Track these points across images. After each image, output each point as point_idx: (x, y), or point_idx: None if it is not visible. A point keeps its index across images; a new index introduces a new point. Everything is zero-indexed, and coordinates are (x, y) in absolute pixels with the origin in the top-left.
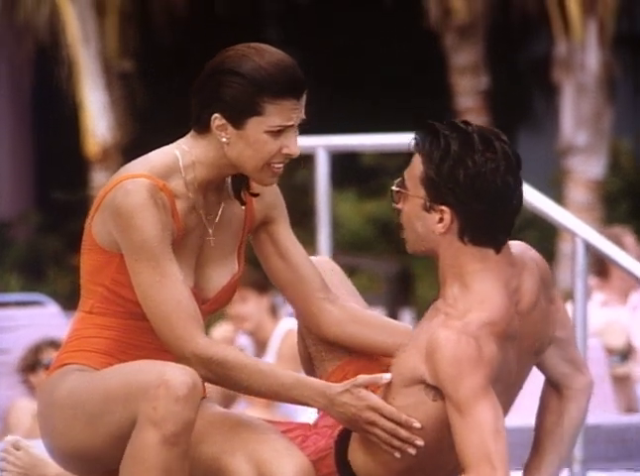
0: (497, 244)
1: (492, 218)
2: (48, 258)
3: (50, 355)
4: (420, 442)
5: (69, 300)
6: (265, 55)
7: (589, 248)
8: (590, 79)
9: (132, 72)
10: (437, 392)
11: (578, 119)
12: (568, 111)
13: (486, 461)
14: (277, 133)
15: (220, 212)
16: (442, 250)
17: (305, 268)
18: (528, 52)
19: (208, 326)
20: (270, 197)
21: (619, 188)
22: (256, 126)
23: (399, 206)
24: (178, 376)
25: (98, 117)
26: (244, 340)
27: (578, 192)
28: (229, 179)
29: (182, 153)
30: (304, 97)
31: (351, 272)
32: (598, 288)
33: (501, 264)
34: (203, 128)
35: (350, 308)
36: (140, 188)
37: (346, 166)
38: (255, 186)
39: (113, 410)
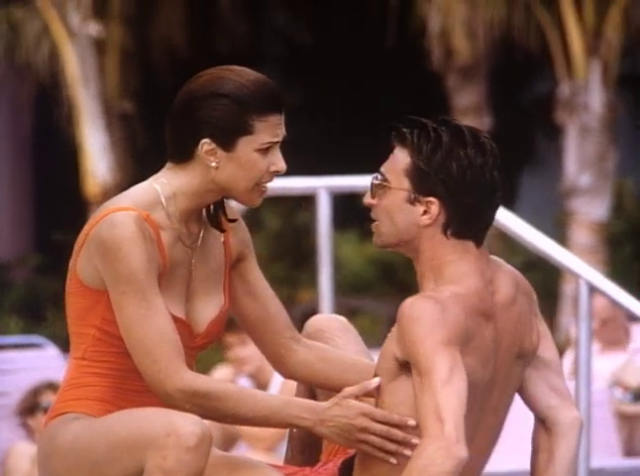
0: (478, 238)
1: (479, 212)
2: (47, 300)
3: (48, 398)
4: (417, 440)
5: (69, 343)
6: (242, 74)
7: (593, 290)
8: (594, 120)
9: (132, 113)
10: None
11: (581, 160)
12: (571, 152)
13: (435, 417)
14: (266, 151)
15: (200, 241)
16: (422, 243)
17: (273, 306)
18: (531, 92)
19: (207, 369)
20: (244, 234)
21: (623, 230)
22: (246, 146)
23: (374, 202)
24: (188, 425)
25: (98, 158)
26: (244, 383)
27: (581, 234)
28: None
29: (162, 185)
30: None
31: (352, 313)
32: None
33: (478, 257)
34: (184, 158)
35: (317, 348)
36: (126, 220)
37: (347, 206)
38: (229, 213)
39: (119, 458)
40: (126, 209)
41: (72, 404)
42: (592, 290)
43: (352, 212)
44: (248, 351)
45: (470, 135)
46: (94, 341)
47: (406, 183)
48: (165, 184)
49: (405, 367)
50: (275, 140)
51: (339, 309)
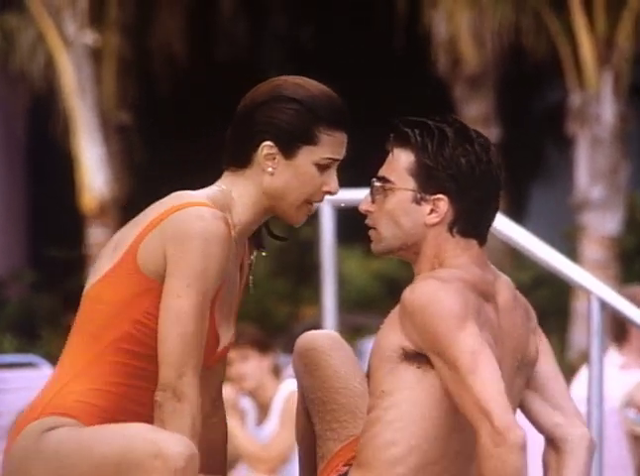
0: (482, 237)
1: (485, 209)
2: (42, 318)
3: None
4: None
5: None
6: (314, 84)
7: (605, 307)
8: (606, 131)
9: (130, 125)
10: (420, 358)
11: (592, 172)
12: (582, 164)
13: (480, 412)
14: (324, 167)
15: (242, 262)
16: (425, 243)
17: None
18: (541, 102)
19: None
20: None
21: (635, 245)
22: (307, 156)
23: (373, 208)
24: (175, 446)
25: (95, 171)
26: (246, 403)
27: (592, 249)
28: None
29: (224, 192)
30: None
31: (357, 330)
32: (617, 350)
33: (481, 256)
34: (242, 163)
35: (215, 427)
36: (216, 216)
37: (352, 221)
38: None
39: None
40: (206, 205)
41: (73, 406)
42: (604, 306)
43: (356, 227)
44: (248, 368)
45: (473, 132)
46: (125, 337)
47: (411, 183)
48: (227, 191)
49: (410, 357)
50: (336, 157)
51: (343, 326)
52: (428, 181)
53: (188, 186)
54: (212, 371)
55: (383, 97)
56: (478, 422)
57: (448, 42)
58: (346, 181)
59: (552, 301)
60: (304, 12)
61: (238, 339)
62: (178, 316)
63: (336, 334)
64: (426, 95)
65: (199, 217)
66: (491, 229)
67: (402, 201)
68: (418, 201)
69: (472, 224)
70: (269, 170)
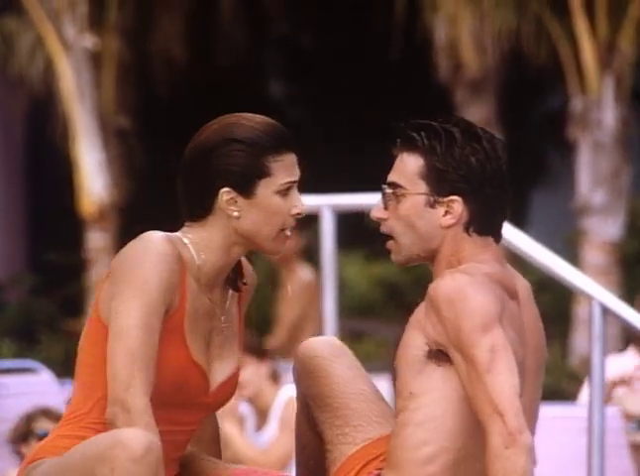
0: (498, 234)
1: (500, 205)
2: (41, 323)
3: (42, 425)
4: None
5: (63, 368)
6: (249, 118)
7: (607, 312)
8: (608, 136)
9: (129, 129)
10: (443, 356)
11: (594, 178)
12: (584, 169)
13: (493, 412)
14: (285, 192)
15: (228, 303)
16: (444, 244)
17: None
18: (542, 107)
19: None
20: (249, 296)
21: (637, 251)
22: (266, 189)
23: (386, 215)
24: (134, 437)
25: (94, 175)
26: (245, 409)
27: (594, 254)
28: None
29: (188, 239)
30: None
31: (357, 337)
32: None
33: (499, 252)
34: (203, 213)
35: (204, 424)
36: (158, 237)
37: (352, 226)
38: (246, 275)
39: None
40: (158, 233)
41: (61, 451)
42: (606, 312)
43: (357, 232)
44: (245, 374)
45: (480, 129)
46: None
47: (423, 187)
48: (191, 239)
49: (435, 355)
50: (293, 179)
51: (343, 332)
52: (440, 184)
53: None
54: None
55: (384, 101)
56: (489, 422)
57: (449, 46)
58: (346, 187)
59: (553, 307)
60: (304, 16)
61: None
62: (120, 333)
63: (336, 339)
64: (427, 100)
65: (138, 239)
66: None
67: (416, 206)
68: (432, 204)
69: (488, 222)
70: (235, 214)
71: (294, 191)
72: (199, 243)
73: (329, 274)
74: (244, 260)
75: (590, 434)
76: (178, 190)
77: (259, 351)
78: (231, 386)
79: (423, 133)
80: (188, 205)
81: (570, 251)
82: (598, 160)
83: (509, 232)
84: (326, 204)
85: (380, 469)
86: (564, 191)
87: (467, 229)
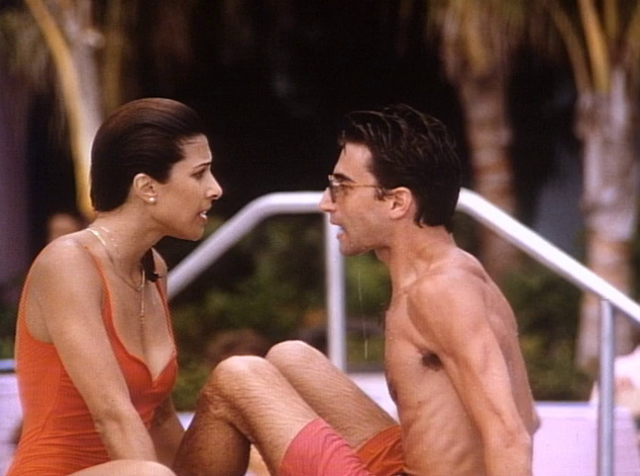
0: (449, 223)
1: (449, 195)
2: None
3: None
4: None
5: None
6: (158, 102)
7: (616, 312)
8: (617, 133)
9: None
10: (437, 360)
11: (604, 175)
12: (593, 167)
13: (491, 412)
14: (200, 175)
15: (143, 285)
16: (396, 237)
17: None
18: (551, 104)
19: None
20: (165, 282)
21: None
22: (180, 172)
23: (334, 207)
24: (157, 472)
25: None
26: None
27: (603, 253)
28: None
29: (99, 231)
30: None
31: (364, 336)
32: None
33: (452, 241)
34: (117, 202)
35: (170, 433)
36: (64, 245)
37: None
38: (157, 266)
39: None
40: (62, 240)
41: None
42: (615, 311)
43: None
44: None
45: (425, 119)
46: (57, 404)
47: (371, 179)
48: (103, 230)
49: (430, 361)
50: (207, 161)
51: (349, 332)
52: (388, 176)
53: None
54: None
55: (391, 98)
56: (487, 422)
57: (456, 42)
58: None
59: (562, 306)
60: (310, 12)
61: (238, 346)
62: (73, 350)
63: (302, 343)
64: (434, 96)
65: (47, 252)
66: (500, 232)
67: (364, 198)
68: (380, 197)
69: (438, 212)
70: (151, 200)
71: (208, 174)
72: (113, 233)
73: (335, 273)
74: (152, 249)
75: (600, 436)
76: (90, 181)
77: (261, 351)
78: (172, 370)
79: (369, 124)
80: (101, 195)
81: (579, 250)
82: (608, 157)
83: (517, 230)
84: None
85: (391, 468)
86: (573, 189)
87: (417, 220)
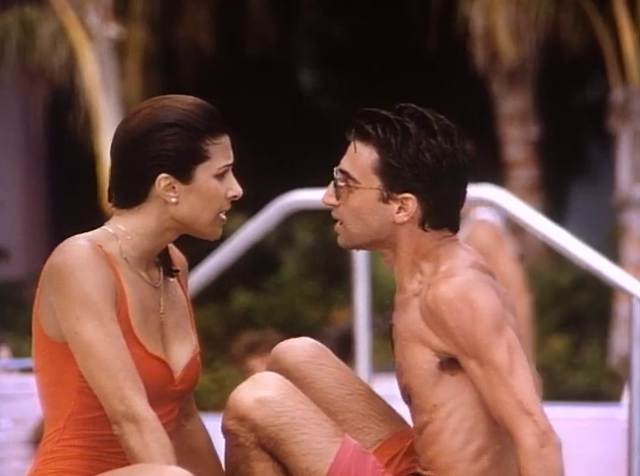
0: (456, 225)
1: (455, 199)
2: None
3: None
4: None
5: None
6: (181, 100)
7: None
8: None
9: None
10: (454, 364)
11: (635, 171)
12: (625, 162)
13: (523, 413)
14: (222, 176)
15: (161, 282)
16: (400, 240)
17: None
18: (581, 98)
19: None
20: (187, 277)
21: None
22: (204, 173)
23: (338, 202)
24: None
25: None
26: None
27: (635, 250)
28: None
29: (115, 229)
30: None
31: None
32: None
33: (457, 239)
34: (137, 200)
35: (196, 434)
36: (77, 244)
37: None
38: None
39: None
40: (75, 239)
41: None
42: None
43: None
44: None
45: (435, 121)
46: (76, 406)
47: (377, 182)
48: (119, 228)
49: (447, 365)
50: (230, 162)
51: (376, 330)
52: (394, 181)
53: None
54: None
55: (419, 92)
56: (520, 423)
57: (485, 36)
58: None
59: (593, 305)
60: (336, 4)
61: (261, 346)
62: (87, 351)
63: (312, 340)
64: (463, 91)
65: (60, 252)
66: (530, 229)
67: (368, 200)
68: (385, 200)
69: (443, 217)
70: (173, 200)
71: (230, 174)
72: (129, 231)
73: (361, 270)
74: (170, 245)
75: (631, 436)
76: (110, 178)
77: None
78: (195, 367)
79: (379, 125)
80: (121, 193)
81: (610, 247)
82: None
83: (547, 227)
84: None
85: (408, 470)
86: (604, 185)
87: (422, 225)
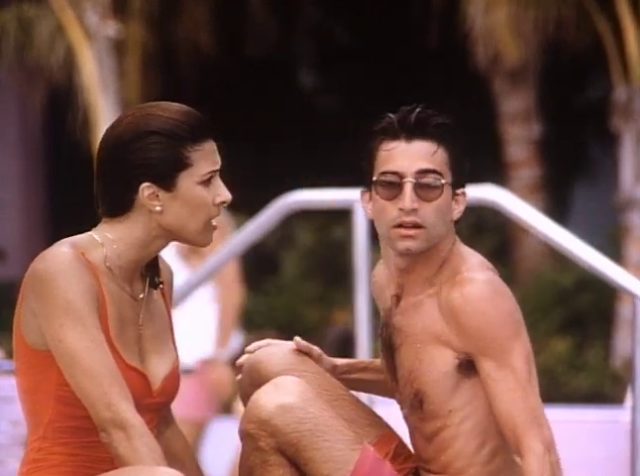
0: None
1: None
2: None
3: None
4: None
5: None
6: (164, 107)
7: None
8: None
9: None
10: (471, 365)
11: (638, 171)
12: (628, 162)
13: (535, 424)
14: (208, 182)
15: (144, 294)
16: (446, 238)
17: None
18: (584, 97)
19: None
20: (171, 288)
21: None
22: (188, 180)
23: (417, 206)
24: None
25: None
26: None
27: (638, 251)
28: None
29: (102, 236)
30: None
31: None
32: None
33: None
34: (123, 210)
35: (173, 441)
36: (59, 251)
37: None
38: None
39: None
40: (58, 246)
41: None
42: None
43: None
44: None
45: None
46: (54, 414)
47: (450, 178)
48: (106, 236)
49: (465, 366)
50: (215, 168)
51: (377, 332)
52: (459, 177)
53: (89, 225)
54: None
55: (419, 92)
56: (530, 432)
57: (486, 35)
58: None
59: (595, 306)
60: (337, 4)
61: None
62: (72, 359)
63: (289, 344)
64: (464, 90)
65: (42, 259)
66: (532, 230)
67: (448, 198)
68: (453, 197)
69: (463, 213)
70: (157, 208)
71: (217, 180)
72: (116, 240)
73: (362, 271)
74: (159, 255)
75: (634, 438)
76: (95, 186)
77: None
78: (174, 379)
79: (439, 121)
80: (107, 201)
81: (612, 247)
82: None
83: (549, 227)
84: (359, 199)
85: (399, 471)
86: (606, 185)
87: (457, 222)
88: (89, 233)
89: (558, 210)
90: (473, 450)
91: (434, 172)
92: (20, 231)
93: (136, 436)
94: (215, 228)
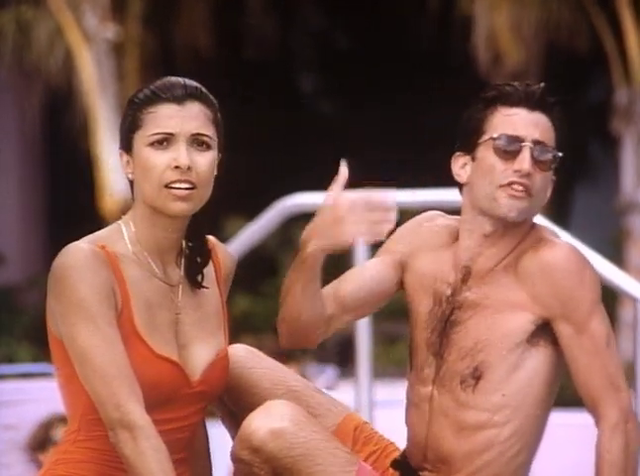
0: None
1: None
2: None
3: (60, 432)
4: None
5: None
6: (153, 81)
7: None
8: None
9: None
10: (545, 331)
11: (639, 173)
12: (628, 165)
13: (614, 388)
14: (161, 145)
15: (183, 283)
16: (538, 212)
17: None
18: (585, 100)
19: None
20: (231, 272)
21: None
22: (138, 142)
23: (532, 172)
24: None
25: (115, 172)
26: None
27: (638, 254)
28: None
29: (124, 222)
30: (196, 107)
31: (391, 341)
32: None
33: None
34: (131, 189)
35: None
36: (75, 248)
37: None
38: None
39: None
40: (78, 242)
41: None
42: None
43: (391, 231)
44: None
45: None
46: (86, 407)
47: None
48: (127, 220)
49: (539, 333)
50: (165, 130)
51: (377, 336)
52: (557, 161)
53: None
54: None
55: (420, 95)
56: (608, 395)
57: (488, 37)
58: (379, 183)
59: None
60: (336, 7)
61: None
62: (83, 358)
63: (241, 344)
64: (465, 93)
65: (59, 256)
66: None
67: (551, 175)
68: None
69: None
70: (130, 176)
71: (177, 145)
72: (132, 224)
73: None
74: (214, 240)
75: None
76: None
77: (283, 355)
78: (218, 369)
79: (545, 94)
80: None
81: (613, 250)
82: None
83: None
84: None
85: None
86: (607, 188)
87: None
88: (116, 222)
89: (558, 213)
90: (507, 460)
91: (548, 145)
92: (18, 235)
93: (142, 437)
94: (177, 197)
